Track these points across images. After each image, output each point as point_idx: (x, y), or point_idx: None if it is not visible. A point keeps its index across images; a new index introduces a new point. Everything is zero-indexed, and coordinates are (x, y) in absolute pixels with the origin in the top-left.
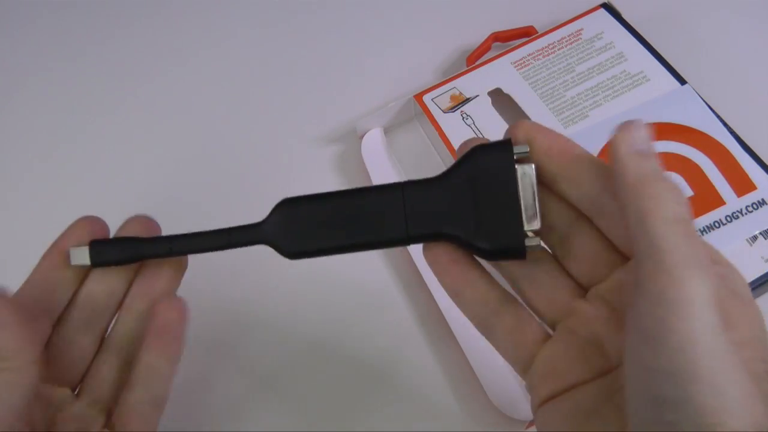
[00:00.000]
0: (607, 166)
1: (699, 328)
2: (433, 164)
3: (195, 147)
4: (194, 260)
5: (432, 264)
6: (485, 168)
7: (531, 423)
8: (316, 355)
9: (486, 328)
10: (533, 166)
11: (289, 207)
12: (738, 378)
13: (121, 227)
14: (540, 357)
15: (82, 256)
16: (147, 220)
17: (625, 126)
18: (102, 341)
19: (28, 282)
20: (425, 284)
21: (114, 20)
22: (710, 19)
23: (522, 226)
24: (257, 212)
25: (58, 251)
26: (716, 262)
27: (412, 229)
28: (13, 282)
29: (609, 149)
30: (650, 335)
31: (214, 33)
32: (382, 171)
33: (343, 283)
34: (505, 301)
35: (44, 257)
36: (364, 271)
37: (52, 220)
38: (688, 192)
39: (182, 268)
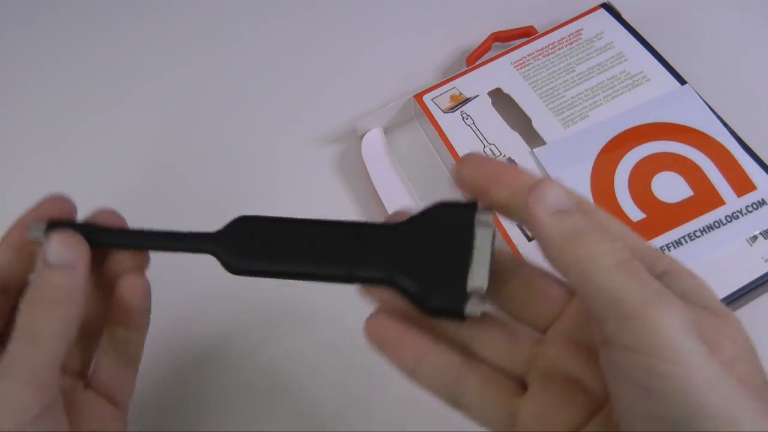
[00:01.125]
0: None
1: (689, 364)
2: (433, 164)
3: (195, 147)
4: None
5: (379, 343)
6: (445, 225)
7: None
8: (316, 353)
9: (453, 397)
10: (493, 231)
11: (243, 224)
12: (742, 400)
13: (88, 217)
14: (524, 412)
15: (38, 232)
16: (113, 214)
17: (536, 187)
18: None
19: None
20: None
21: (112, 20)
22: (710, 19)
23: (465, 289)
24: (256, 212)
25: (21, 226)
26: (676, 273)
27: (358, 270)
28: None
29: (525, 212)
30: (643, 386)
31: (213, 33)
32: (382, 171)
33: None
34: (466, 361)
35: (10, 230)
36: None
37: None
38: (688, 192)
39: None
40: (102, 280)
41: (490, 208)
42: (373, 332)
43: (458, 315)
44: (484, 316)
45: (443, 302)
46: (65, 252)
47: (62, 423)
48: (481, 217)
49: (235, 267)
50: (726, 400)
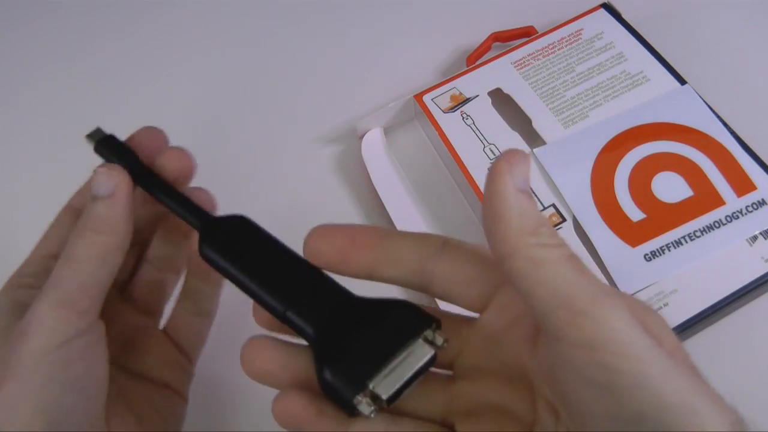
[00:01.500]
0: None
1: (644, 358)
2: (433, 164)
3: (195, 146)
4: None
5: (292, 427)
6: (395, 324)
7: None
8: None
9: None
10: (432, 356)
11: (238, 221)
12: (696, 387)
13: (134, 134)
14: None
15: (92, 134)
16: (155, 131)
17: (507, 156)
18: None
19: None
20: None
21: (109, 20)
22: (710, 19)
23: (365, 385)
24: (256, 212)
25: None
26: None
27: (292, 313)
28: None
29: (487, 180)
30: (598, 384)
31: (213, 33)
32: (382, 171)
33: None
34: (393, 421)
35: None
36: None
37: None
38: (688, 192)
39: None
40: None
41: (356, 275)
42: (283, 413)
43: (346, 406)
44: None
45: (335, 384)
46: (106, 183)
47: (98, 351)
48: (430, 336)
49: (202, 250)
50: (682, 389)
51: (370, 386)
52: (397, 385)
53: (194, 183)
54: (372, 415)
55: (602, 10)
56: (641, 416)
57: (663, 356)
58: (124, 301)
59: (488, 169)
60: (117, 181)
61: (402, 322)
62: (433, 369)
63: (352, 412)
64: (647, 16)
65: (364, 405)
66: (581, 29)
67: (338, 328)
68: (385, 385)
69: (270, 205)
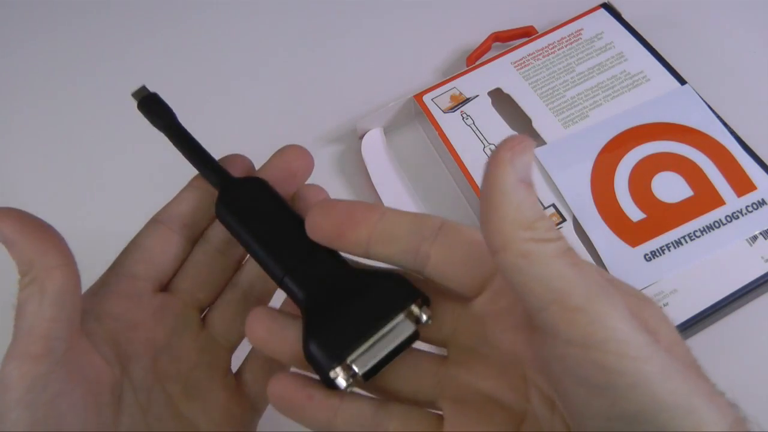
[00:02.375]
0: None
1: (641, 357)
2: (433, 164)
3: None
4: None
5: (286, 408)
6: (382, 295)
7: None
8: None
9: None
10: (413, 332)
11: (255, 184)
12: (693, 385)
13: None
14: None
15: (137, 91)
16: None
17: (511, 142)
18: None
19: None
20: None
21: (107, 20)
22: (710, 19)
23: (343, 358)
24: None
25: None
26: (608, 278)
27: (288, 278)
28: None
29: (486, 168)
30: (595, 383)
31: (213, 34)
32: (382, 171)
33: None
34: (381, 406)
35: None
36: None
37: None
38: (688, 192)
39: None
40: None
41: (352, 252)
42: (276, 396)
43: (324, 378)
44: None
45: (315, 356)
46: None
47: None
48: (416, 311)
49: (219, 210)
50: (680, 388)
51: (348, 361)
52: (374, 362)
53: None
54: (348, 389)
55: (602, 10)
56: (638, 416)
57: (661, 354)
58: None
59: (489, 154)
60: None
61: (389, 295)
62: (425, 347)
63: (329, 384)
64: (647, 16)
65: (340, 379)
66: (581, 29)
67: (329, 297)
68: (362, 360)
69: None
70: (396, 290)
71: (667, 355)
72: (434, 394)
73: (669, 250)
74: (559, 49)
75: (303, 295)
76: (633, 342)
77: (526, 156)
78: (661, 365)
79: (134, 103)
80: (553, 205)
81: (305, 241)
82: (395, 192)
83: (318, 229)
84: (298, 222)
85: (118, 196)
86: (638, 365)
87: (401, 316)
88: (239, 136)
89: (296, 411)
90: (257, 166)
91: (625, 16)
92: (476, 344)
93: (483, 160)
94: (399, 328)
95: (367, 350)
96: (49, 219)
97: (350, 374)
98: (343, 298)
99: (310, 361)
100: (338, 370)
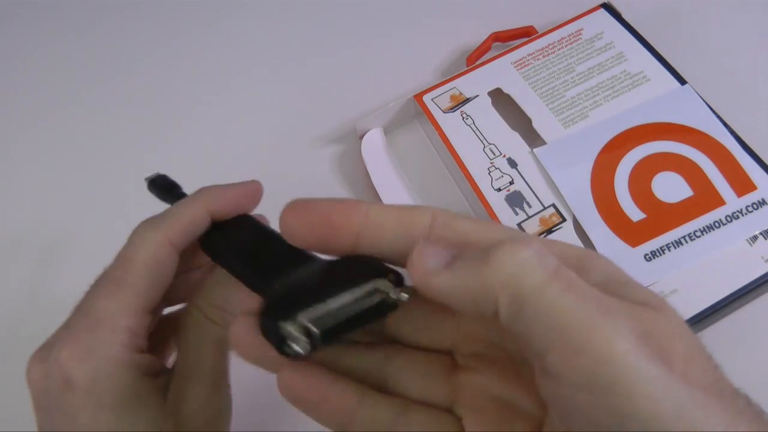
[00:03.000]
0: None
1: (655, 396)
2: (433, 164)
3: (196, 146)
4: None
5: (300, 404)
6: (349, 271)
7: None
8: None
9: None
10: (381, 303)
11: (235, 219)
12: (711, 414)
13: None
14: None
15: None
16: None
17: (411, 258)
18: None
19: None
20: None
21: (105, 20)
22: (710, 19)
23: (295, 319)
24: (256, 212)
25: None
26: (599, 267)
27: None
28: None
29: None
30: (604, 425)
31: (214, 34)
32: (382, 171)
33: None
34: (401, 412)
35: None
36: None
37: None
38: (688, 192)
39: None
40: None
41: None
42: (288, 390)
43: (273, 337)
44: (390, 356)
45: (264, 317)
46: None
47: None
48: (386, 287)
49: (202, 241)
50: (697, 421)
51: (303, 321)
52: (332, 323)
53: (198, 183)
54: (303, 352)
55: (602, 10)
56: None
57: (674, 386)
58: None
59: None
60: None
61: (356, 271)
62: (435, 359)
63: (279, 345)
64: (647, 16)
65: (293, 346)
66: (581, 29)
67: (291, 280)
68: (320, 321)
69: (270, 205)
70: (365, 267)
71: (680, 386)
72: (450, 400)
73: (669, 250)
74: (559, 49)
75: (265, 284)
76: (642, 379)
77: (428, 250)
78: (675, 401)
79: (134, 105)
80: (553, 205)
81: (282, 253)
82: (395, 192)
83: (295, 235)
84: (273, 238)
85: (118, 198)
86: (649, 405)
87: (369, 286)
88: (239, 136)
89: (311, 412)
90: (261, 165)
91: (625, 16)
92: (484, 350)
93: (483, 160)
94: (364, 299)
95: (325, 315)
96: (49, 220)
97: (305, 335)
98: (306, 278)
99: (263, 330)
100: (292, 331)
